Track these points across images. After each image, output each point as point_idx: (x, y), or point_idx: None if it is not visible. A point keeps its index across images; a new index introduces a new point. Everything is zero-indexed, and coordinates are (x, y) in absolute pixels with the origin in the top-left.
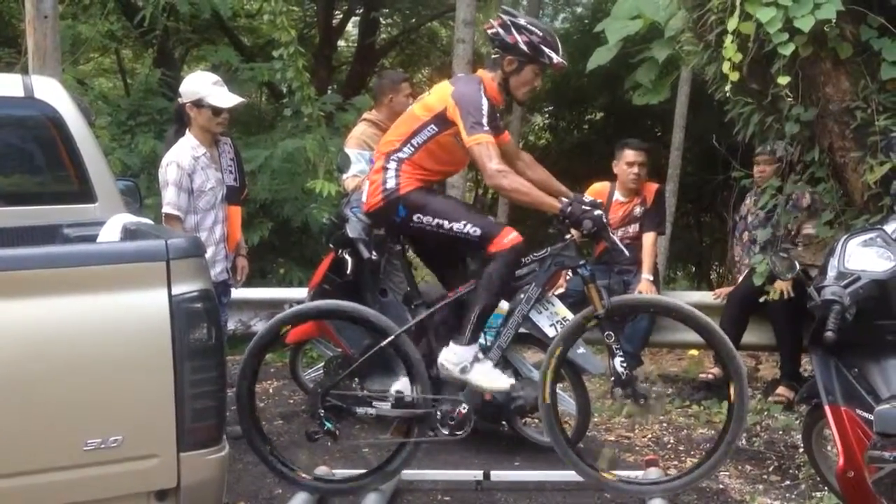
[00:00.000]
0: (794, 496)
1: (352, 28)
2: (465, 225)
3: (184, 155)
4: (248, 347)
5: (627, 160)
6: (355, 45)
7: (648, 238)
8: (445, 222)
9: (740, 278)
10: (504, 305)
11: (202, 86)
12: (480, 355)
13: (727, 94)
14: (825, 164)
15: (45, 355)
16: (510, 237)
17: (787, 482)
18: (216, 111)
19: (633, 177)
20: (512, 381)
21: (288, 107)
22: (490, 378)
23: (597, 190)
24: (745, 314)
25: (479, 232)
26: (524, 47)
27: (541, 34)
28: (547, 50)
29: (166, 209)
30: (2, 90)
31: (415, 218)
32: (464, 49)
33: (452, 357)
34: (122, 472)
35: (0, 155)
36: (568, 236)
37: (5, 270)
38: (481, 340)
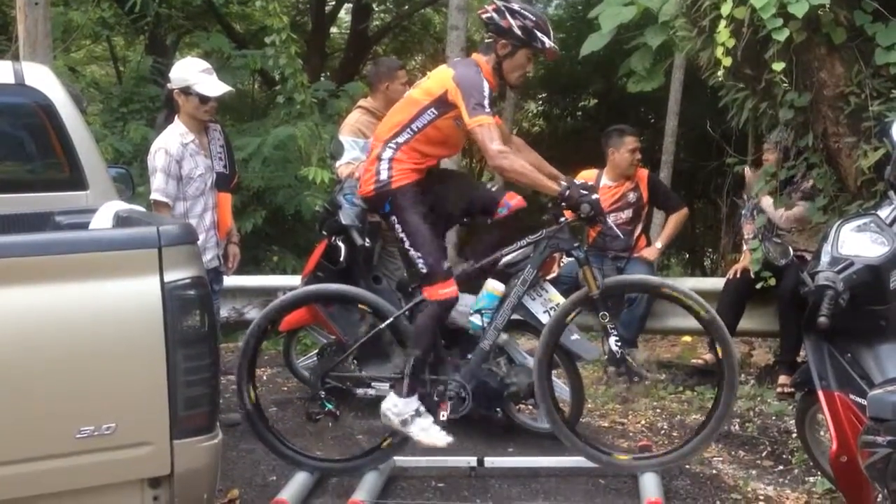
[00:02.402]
0: (787, 481)
1: (344, 15)
2: (419, 255)
3: (172, 141)
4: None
5: (630, 146)
6: (348, 31)
7: (675, 216)
8: (407, 241)
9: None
10: (500, 287)
11: (191, 73)
12: (422, 409)
13: (721, 80)
14: (819, 150)
15: (38, 343)
16: (446, 290)
17: (781, 467)
18: (203, 99)
19: (634, 162)
20: (450, 439)
21: (280, 94)
22: (429, 435)
23: (584, 176)
24: (742, 300)
25: (425, 270)
26: (518, 31)
27: (534, 19)
28: (539, 34)
29: (154, 196)
30: None
31: (392, 219)
32: (457, 35)
33: (393, 408)
34: (116, 459)
35: None
36: (563, 220)
37: None
38: (477, 322)
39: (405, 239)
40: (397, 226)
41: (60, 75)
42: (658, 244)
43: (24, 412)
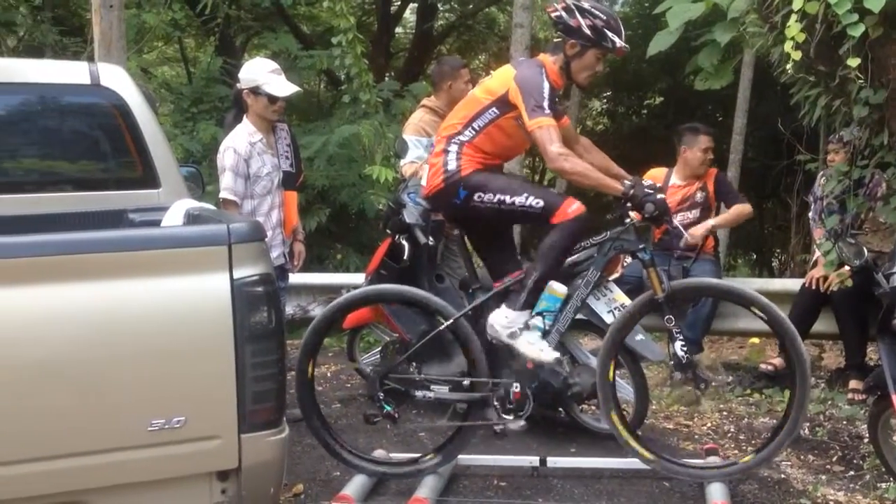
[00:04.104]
0: (858, 487)
1: (409, 15)
2: (526, 198)
3: (240, 141)
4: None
5: (704, 146)
6: (413, 31)
7: (737, 207)
8: (507, 197)
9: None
10: (563, 289)
11: (260, 73)
12: (531, 323)
13: (792, 76)
14: (895, 149)
15: (111, 337)
16: (573, 207)
17: (851, 473)
18: (272, 99)
19: (706, 162)
20: (557, 354)
21: (346, 94)
22: (536, 348)
23: (653, 176)
24: (817, 304)
25: (541, 203)
26: (587, 31)
27: (604, 18)
28: (610, 34)
29: (223, 194)
30: (69, 78)
31: (475, 198)
32: (521, 34)
33: (503, 320)
34: (185, 452)
35: (67, 141)
36: (628, 220)
37: (73, 254)
38: (539, 324)
39: (503, 199)
40: (485, 197)
41: (134, 76)
42: (711, 221)
43: (98, 404)
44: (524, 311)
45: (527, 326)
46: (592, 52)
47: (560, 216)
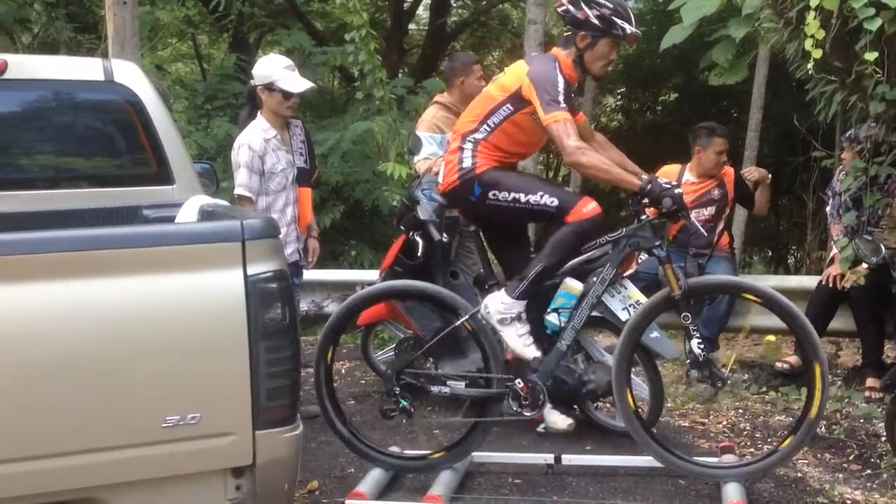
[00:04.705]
0: (875, 486)
1: (423, 11)
2: (541, 196)
3: (255, 137)
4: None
5: (718, 148)
6: (426, 28)
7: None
8: (521, 195)
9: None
10: (578, 286)
11: (274, 70)
12: (523, 315)
13: (809, 73)
14: None
15: (125, 333)
16: (589, 206)
17: (868, 471)
18: (287, 95)
19: (720, 163)
20: (538, 354)
21: (360, 90)
22: (522, 342)
23: (666, 172)
24: (834, 301)
25: (556, 202)
26: (596, 21)
27: (611, 6)
28: (619, 21)
29: (238, 190)
30: (83, 74)
31: (490, 195)
32: (535, 30)
33: (498, 304)
34: (200, 448)
35: (81, 137)
36: (644, 216)
37: (87, 250)
38: (555, 321)
39: (517, 197)
40: (500, 195)
41: (148, 73)
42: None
43: (113, 401)
44: (520, 301)
45: (518, 317)
46: (604, 41)
47: (575, 215)
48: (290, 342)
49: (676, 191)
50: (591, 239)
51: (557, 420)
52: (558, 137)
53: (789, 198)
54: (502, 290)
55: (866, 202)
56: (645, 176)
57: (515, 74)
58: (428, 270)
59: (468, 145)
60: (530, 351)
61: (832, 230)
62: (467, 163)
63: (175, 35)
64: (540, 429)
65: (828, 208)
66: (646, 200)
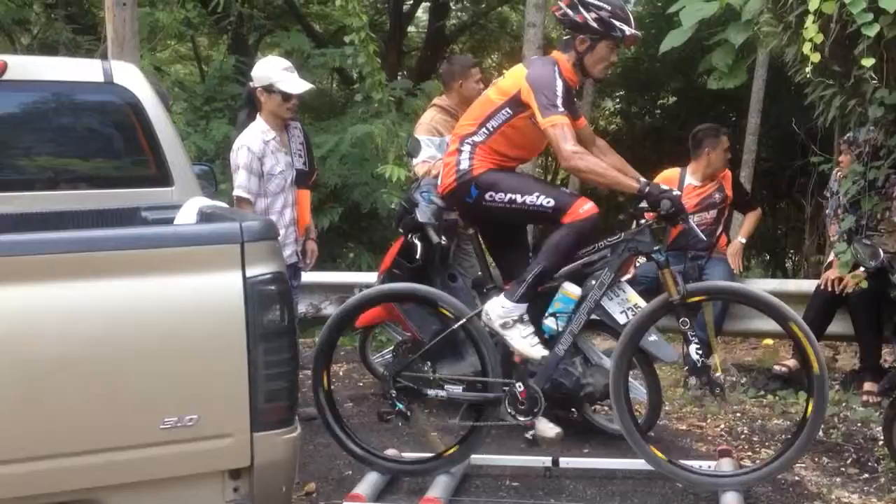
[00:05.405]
0: (872, 490)
1: (422, 13)
2: (538, 197)
3: (254, 139)
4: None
5: (725, 146)
6: (425, 30)
7: (752, 214)
8: (518, 196)
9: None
10: (576, 291)
11: (273, 71)
12: (526, 317)
13: (808, 77)
14: None
15: (123, 334)
16: (586, 207)
17: (866, 475)
18: (286, 97)
19: (726, 161)
20: (546, 353)
21: (359, 92)
22: (528, 343)
23: (666, 177)
24: (832, 306)
25: (552, 203)
26: (594, 24)
27: (609, 8)
28: (618, 23)
29: (237, 192)
30: (82, 75)
31: (486, 197)
32: (534, 33)
33: (499, 309)
34: (198, 450)
35: (81, 139)
36: (643, 220)
37: (86, 252)
38: (552, 325)
39: (514, 198)
40: (496, 196)
41: (147, 74)
42: (741, 239)
43: (111, 402)
44: (521, 304)
45: (521, 319)
46: (603, 44)
47: (572, 216)
48: (288, 344)
49: (675, 193)
50: (589, 239)
51: (545, 428)
52: (555, 141)
53: (787, 202)
54: (502, 294)
55: (864, 206)
56: (643, 180)
57: (514, 78)
58: (426, 273)
59: (466, 148)
60: (537, 351)
61: (830, 230)
62: (465, 165)
63: (174, 36)
64: (528, 435)
65: (827, 209)
66: (644, 204)
